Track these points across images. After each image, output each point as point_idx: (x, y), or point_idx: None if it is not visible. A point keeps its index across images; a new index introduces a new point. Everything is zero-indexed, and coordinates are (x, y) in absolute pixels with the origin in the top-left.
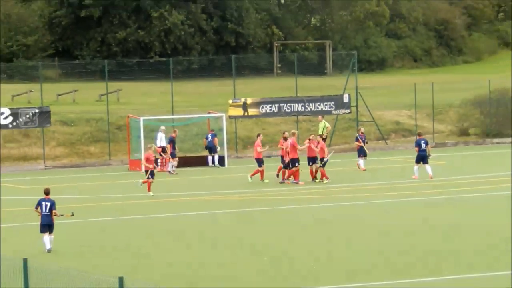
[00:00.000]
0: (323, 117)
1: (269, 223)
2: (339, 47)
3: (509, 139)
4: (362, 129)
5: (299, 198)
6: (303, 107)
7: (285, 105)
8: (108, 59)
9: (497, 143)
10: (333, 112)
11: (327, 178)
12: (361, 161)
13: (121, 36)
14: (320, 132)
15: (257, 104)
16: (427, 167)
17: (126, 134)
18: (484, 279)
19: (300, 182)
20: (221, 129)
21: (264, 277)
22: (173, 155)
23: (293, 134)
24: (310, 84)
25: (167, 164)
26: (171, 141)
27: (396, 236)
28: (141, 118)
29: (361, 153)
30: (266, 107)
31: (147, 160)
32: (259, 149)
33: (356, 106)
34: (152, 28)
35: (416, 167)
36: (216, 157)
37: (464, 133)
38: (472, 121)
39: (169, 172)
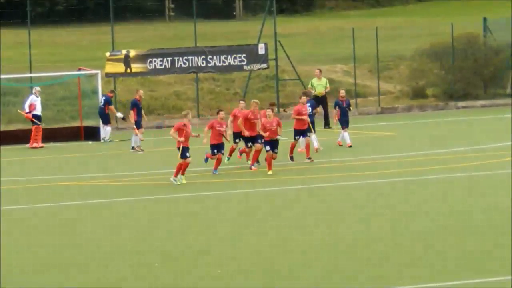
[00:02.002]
0: (321, 71)
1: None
2: None
3: (478, 102)
4: (342, 92)
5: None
6: (204, 62)
7: (180, 58)
8: None
9: (464, 107)
10: (245, 67)
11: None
12: (345, 134)
13: None
14: (322, 91)
15: (143, 58)
16: (313, 138)
17: None
18: None
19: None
20: (95, 91)
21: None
22: (138, 125)
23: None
24: (214, 31)
25: (35, 137)
26: (135, 106)
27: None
28: None
29: (343, 123)
30: (155, 61)
31: (179, 131)
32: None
33: (276, 59)
34: None
35: (301, 138)
36: (107, 130)
37: (419, 94)
38: (430, 78)
39: (133, 148)
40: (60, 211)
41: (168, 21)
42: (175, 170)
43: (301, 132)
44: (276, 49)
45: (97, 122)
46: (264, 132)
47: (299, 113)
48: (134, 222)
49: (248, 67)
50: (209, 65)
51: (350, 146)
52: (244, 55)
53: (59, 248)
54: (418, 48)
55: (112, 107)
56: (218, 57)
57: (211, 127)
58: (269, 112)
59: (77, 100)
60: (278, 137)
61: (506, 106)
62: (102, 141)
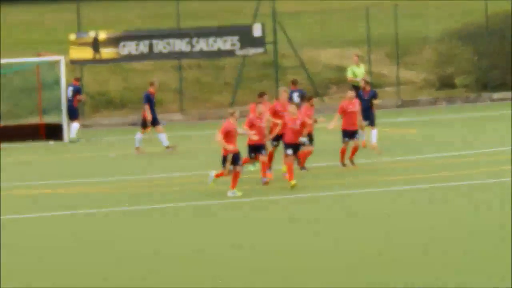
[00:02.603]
0: (358, 57)
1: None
2: None
3: None
4: (363, 82)
5: None
6: (189, 45)
7: (159, 42)
8: None
9: (500, 99)
10: (238, 52)
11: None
12: (372, 132)
13: None
14: (361, 77)
15: (115, 41)
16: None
17: None
18: None
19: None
20: (57, 81)
21: None
22: (155, 122)
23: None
24: (200, 9)
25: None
26: (149, 100)
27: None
28: None
29: (366, 119)
30: (129, 45)
31: (227, 134)
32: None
33: (274, 42)
34: None
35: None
36: (74, 127)
37: (447, 84)
38: (459, 64)
39: (168, 147)
40: (11, 225)
41: None
42: (231, 182)
43: (349, 134)
44: (275, 31)
45: (60, 118)
46: (283, 131)
47: (344, 111)
48: (103, 241)
49: (242, 52)
50: (195, 50)
51: (365, 147)
52: (237, 37)
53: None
54: (446, 29)
55: (83, 96)
56: (205, 40)
57: (251, 125)
58: (292, 108)
59: (36, 92)
60: (303, 139)
61: None
62: (68, 141)
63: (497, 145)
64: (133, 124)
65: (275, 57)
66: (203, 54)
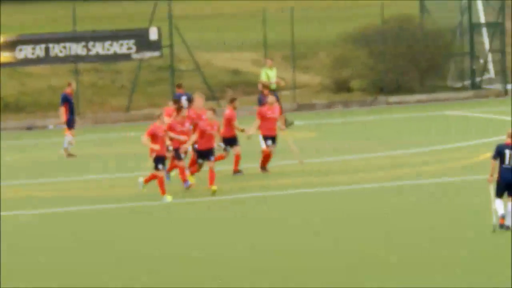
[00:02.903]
0: (272, 60)
1: None
2: None
3: (414, 97)
4: (260, 85)
5: None
6: (85, 49)
7: (56, 45)
8: None
9: (396, 103)
10: (134, 56)
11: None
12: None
13: None
14: (275, 79)
15: (11, 45)
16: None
17: None
18: None
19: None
20: None
21: None
22: (71, 123)
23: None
24: (97, 13)
25: None
26: (67, 101)
27: None
28: None
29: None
30: (25, 49)
31: (153, 136)
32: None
33: (171, 46)
34: None
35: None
36: None
37: (343, 87)
38: (355, 68)
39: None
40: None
41: (42, 1)
42: (148, 176)
43: (271, 138)
44: (171, 34)
45: None
46: (200, 138)
47: (262, 116)
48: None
49: (137, 55)
50: (91, 53)
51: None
52: (132, 41)
53: None
54: (342, 32)
55: None
56: (101, 43)
57: (171, 130)
58: (209, 114)
59: None
60: (220, 144)
61: (447, 102)
62: None
63: (397, 148)
64: (28, 128)
65: (171, 60)
66: (99, 58)
